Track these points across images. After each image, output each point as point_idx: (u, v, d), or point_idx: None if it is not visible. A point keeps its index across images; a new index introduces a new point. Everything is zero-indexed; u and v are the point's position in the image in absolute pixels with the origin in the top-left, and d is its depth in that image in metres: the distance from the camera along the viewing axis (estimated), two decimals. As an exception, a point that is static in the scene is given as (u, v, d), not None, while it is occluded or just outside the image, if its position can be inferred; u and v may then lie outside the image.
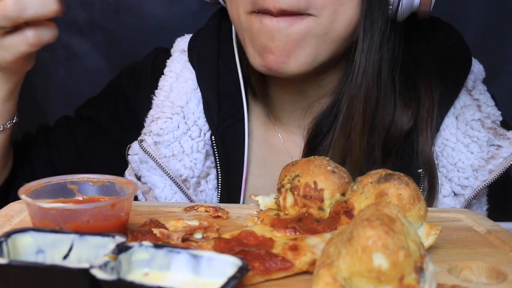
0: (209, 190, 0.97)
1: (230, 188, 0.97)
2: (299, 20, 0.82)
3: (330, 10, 0.82)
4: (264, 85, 0.99)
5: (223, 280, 0.49)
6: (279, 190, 0.72)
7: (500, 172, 0.90)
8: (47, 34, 0.81)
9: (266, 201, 0.75)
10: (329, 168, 0.70)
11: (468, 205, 0.92)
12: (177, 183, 0.95)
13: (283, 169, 0.74)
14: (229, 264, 0.51)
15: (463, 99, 0.96)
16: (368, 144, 0.91)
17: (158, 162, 0.95)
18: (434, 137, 0.94)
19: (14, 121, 0.94)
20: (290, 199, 0.70)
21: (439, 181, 0.93)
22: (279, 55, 0.84)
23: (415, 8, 0.86)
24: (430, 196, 0.92)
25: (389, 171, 0.65)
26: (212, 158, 0.97)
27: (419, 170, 0.92)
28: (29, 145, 1.05)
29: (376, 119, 0.91)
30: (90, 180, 0.68)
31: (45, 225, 0.59)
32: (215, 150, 0.97)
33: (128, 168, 0.99)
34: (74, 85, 1.57)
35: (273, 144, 1.02)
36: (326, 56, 0.87)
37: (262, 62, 0.85)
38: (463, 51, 0.98)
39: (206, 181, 0.97)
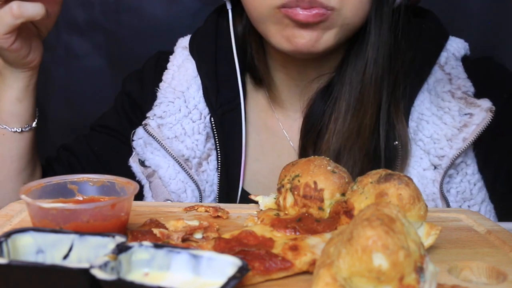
0: (210, 170, 1.02)
1: (230, 170, 1.02)
2: (325, 17, 0.87)
3: (351, 4, 0.88)
4: (267, 71, 1.04)
5: (223, 280, 0.49)
6: (279, 190, 0.72)
7: (473, 139, 0.92)
8: (31, 9, 0.84)
9: (266, 201, 0.75)
10: (329, 168, 0.70)
11: (447, 175, 0.94)
12: (180, 163, 1.00)
13: (283, 169, 0.74)
14: (229, 264, 0.51)
15: (435, 74, 0.99)
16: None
17: (162, 143, 1.00)
18: (409, 112, 0.97)
19: (33, 125, 0.99)
20: (290, 199, 0.70)
21: (419, 155, 0.96)
22: (309, 40, 0.89)
23: None
24: (403, 163, 0.95)
25: (389, 171, 0.65)
26: (213, 140, 1.02)
27: (395, 143, 0.95)
28: (51, 162, 1.10)
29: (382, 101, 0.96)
30: (90, 180, 0.69)
31: (45, 225, 0.59)
32: (215, 132, 1.01)
33: (132, 155, 1.05)
34: (74, 85, 1.57)
35: (272, 129, 1.06)
36: (344, 40, 0.93)
37: (291, 46, 0.90)
38: (437, 32, 1.02)
39: (208, 162, 1.02)
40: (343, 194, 0.68)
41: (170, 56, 1.08)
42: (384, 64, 0.94)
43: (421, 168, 0.95)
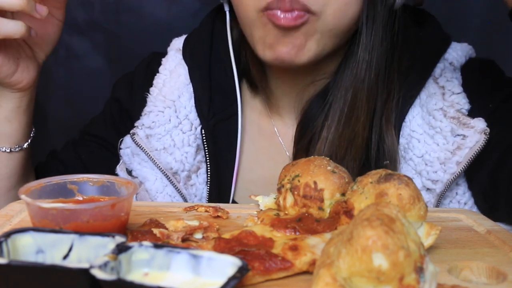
0: (200, 184, 0.98)
1: (221, 183, 0.98)
2: (306, 21, 0.84)
3: (334, 8, 0.84)
4: (264, 77, 1.00)
5: (223, 280, 0.49)
6: (279, 190, 0.72)
7: (467, 163, 0.88)
8: (9, 27, 0.82)
9: (266, 201, 0.75)
10: (329, 168, 0.70)
11: (441, 198, 0.90)
12: (168, 176, 0.96)
13: (283, 169, 0.74)
14: (229, 264, 0.51)
15: (428, 88, 0.94)
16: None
17: (149, 155, 0.96)
18: (400, 128, 0.93)
19: (25, 146, 0.95)
20: (290, 199, 0.70)
21: (410, 175, 0.90)
22: (291, 48, 0.86)
23: None
24: None
25: (389, 171, 0.65)
26: (203, 152, 0.98)
27: (385, 162, 0.91)
28: (41, 169, 1.07)
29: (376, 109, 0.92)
30: (90, 180, 0.68)
31: (45, 225, 0.59)
32: (205, 144, 0.98)
33: (119, 163, 1.01)
34: (74, 85, 1.57)
35: (268, 136, 1.02)
36: (332, 47, 0.90)
37: (273, 55, 0.87)
38: (436, 42, 0.97)
39: (197, 175, 0.98)
40: (343, 194, 0.68)
41: (163, 59, 1.05)
42: (377, 68, 0.90)
43: None
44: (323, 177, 0.68)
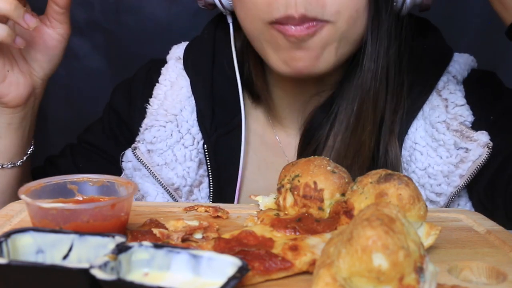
0: (202, 198, 0.97)
1: (223, 195, 0.96)
2: (320, 29, 0.83)
3: (346, 16, 0.83)
4: (267, 88, 0.99)
5: (223, 280, 0.49)
6: (279, 190, 0.72)
7: (470, 177, 0.88)
8: None
9: (266, 201, 0.75)
10: (329, 168, 0.70)
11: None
12: (169, 191, 0.95)
13: (283, 169, 0.74)
14: (229, 264, 0.51)
15: (431, 100, 0.94)
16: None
17: (151, 170, 0.95)
18: (402, 140, 0.93)
19: (18, 163, 0.92)
20: (290, 199, 0.70)
21: None
22: (308, 61, 0.84)
23: (419, 0, 0.87)
24: None
25: (389, 171, 0.65)
26: (205, 167, 0.97)
27: None
28: (37, 176, 1.04)
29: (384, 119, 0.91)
30: (90, 180, 0.68)
31: (45, 225, 0.59)
32: (207, 158, 0.96)
33: (122, 175, 1.00)
34: (74, 85, 1.57)
35: (270, 146, 1.01)
36: (346, 55, 0.89)
37: (289, 69, 0.86)
38: (440, 55, 0.97)
39: (199, 190, 0.97)
40: (343, 194, 0.68)
41: (163, 69, 1.03)
42: (383, 77, 0.88)
43: None
44: (323, 177, 0.68)
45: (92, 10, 1.53)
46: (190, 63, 1.01)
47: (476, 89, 0.95)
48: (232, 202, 0.96)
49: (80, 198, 0.68)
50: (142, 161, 0.95)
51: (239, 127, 0.97)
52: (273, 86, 0.99)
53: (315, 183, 0.68)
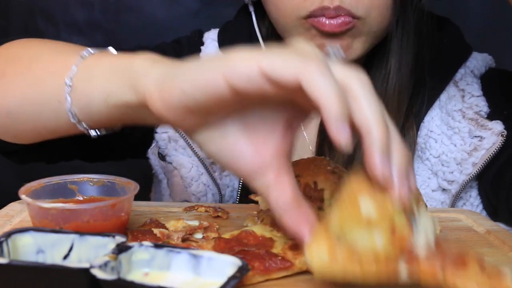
0: (233, 175, 0.98)
1: None
2: (351, 25, 0.85)
3: (376, 12, 0.86)
4: None
5: (223, 280, 0.49)
6: (279, 190, 0.72)
7: (482, 165, 0.89)
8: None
9: (266, 201, 0.75)
10: (329, 168, 0.70)
11: (456, 199, 0.91)
12: (205, 165, 0.96)
13: (283, 169, 0.74)
14: (229, 264, 0.51)
15: (448, 90, 0.96)
16: None
17: (189, 142, 0.96)
18: (418, 128, 0.94)
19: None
20: (290, 199, 0.70)
21: (426, 175, 0.93)
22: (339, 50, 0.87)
23: None
24: None
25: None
26: None
27: None
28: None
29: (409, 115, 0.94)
30: (90, 180, 0.69)
31: (45, 225, 0.59)
32: None
33: (151, 147, 1.00)
34: (74, 85, 1.56)
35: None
36: (371, 47, 0.91)
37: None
38: (459, 49, 0.99)
39: None
40: (343, 194, 0.68)
41: (202, 47, 1.03)
42: (407, 74, 0.91)
43: (429, 189, 0.92)
44: (323, 177, 0.68)
45: (92, 10, 1.53)
46: (228, 42, 1.01)
47: (493, 84, 0.96)
48: None
49: (81, 198, 0.68)
50: (181, 132, 0.95)
51: None
52: None
53: (315, 183, 0.68)
